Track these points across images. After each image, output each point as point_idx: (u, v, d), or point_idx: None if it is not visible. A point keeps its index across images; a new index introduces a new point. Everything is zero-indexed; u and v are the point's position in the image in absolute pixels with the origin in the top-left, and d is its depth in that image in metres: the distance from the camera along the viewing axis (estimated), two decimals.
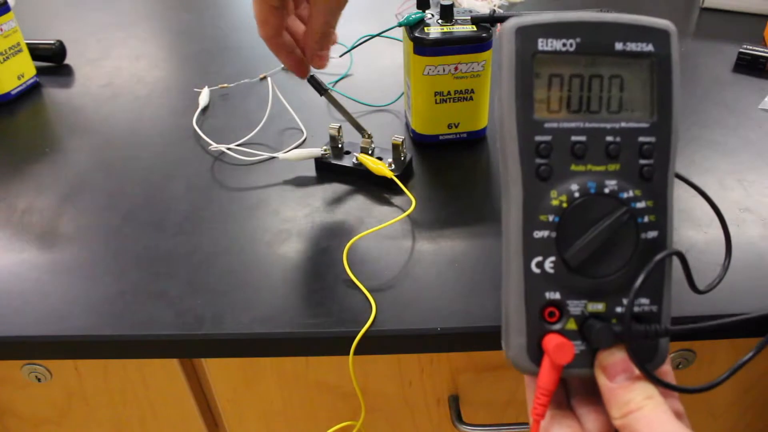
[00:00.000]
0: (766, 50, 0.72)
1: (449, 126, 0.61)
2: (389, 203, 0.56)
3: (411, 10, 0.59)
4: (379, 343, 0.45)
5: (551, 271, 0.32)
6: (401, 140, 0.57)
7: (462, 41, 0.56)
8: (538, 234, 0.32)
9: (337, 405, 0.56)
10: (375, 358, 0.52)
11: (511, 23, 0.31)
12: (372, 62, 0.78)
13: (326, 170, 0.60)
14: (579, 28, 0.31)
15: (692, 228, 0.52)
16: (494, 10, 0.57)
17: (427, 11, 0.58)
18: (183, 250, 0.52)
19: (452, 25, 0.57)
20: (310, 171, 0.60)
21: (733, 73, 0.72)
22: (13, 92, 0.73)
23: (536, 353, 0.32)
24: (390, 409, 0.57)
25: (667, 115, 0.32)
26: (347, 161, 0.59)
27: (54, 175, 0.61)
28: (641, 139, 0.32)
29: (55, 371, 0.54)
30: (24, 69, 0.74)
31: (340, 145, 0.60)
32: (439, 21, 0.57)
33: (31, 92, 0.75)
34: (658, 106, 0.32)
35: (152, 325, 0.46)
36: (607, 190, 0.31)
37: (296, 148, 0.62)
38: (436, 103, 0.59)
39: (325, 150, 0.59)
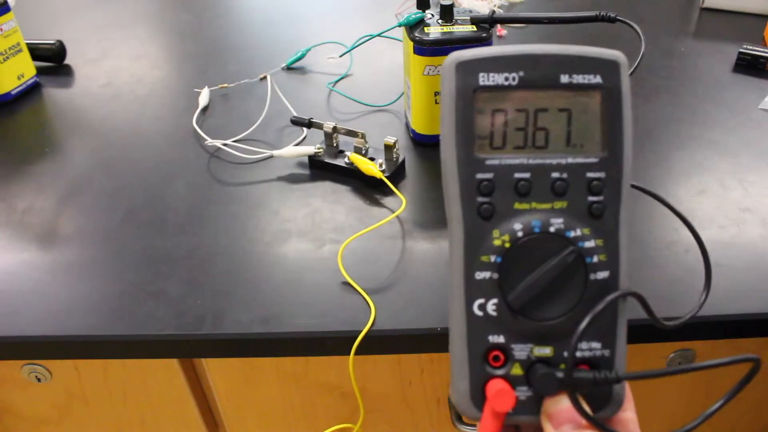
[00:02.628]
0: (766, 50, 0.72)
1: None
2: (384, 203, 0.56)
3: (411, 10, 0.59)
4: (379, 343, 0.45)
5: (494, 313, 0.30)
6: (393, 141, 0.57)
7: (462, 41, 0.56)
8: (480, 275, 0.30)
9: (337, 405, 0.56)
10: (375, 358, 0.52)
11: (452, 58, 0.30)
12: (372, 62, 0.78)
13: (320, 169, 0.60)
14: (521, 61, 0.30)
15: None
16: (494, 11, 0.57)
17: (427, 11, 0.59)
18: (183, 250, 0.52)
19: (452, 25, 0.57)
20: (307, 169, 0.60)
21: (733, 73, 0.72)
22: (13, 92, 0.73)
23: (480, 399, 0.31)
24: (390, 409, 0.57)
25: (617, 150, 0.30)
26: (340, 160, 0.59)
27: (54, 175, 0.61)
28: (590, 174, 0.30)
29: (55, 371, 0.54)
30: (24, 69, 0.74)
31: (335, 144, 0.60)
32: (439, 21, 0.57)
33: (31, 92, 0.75)
34: (608, 141, 0.30)
35: (152, 325, 0.46)
36: (552, 229, 0.30)
37: (295, 146, 0.62)
38: (436, 103, 0.59)
39: (318, 148, 0.59)
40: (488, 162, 0.30)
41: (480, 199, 0.30)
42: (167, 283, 0.49)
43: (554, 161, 0.30)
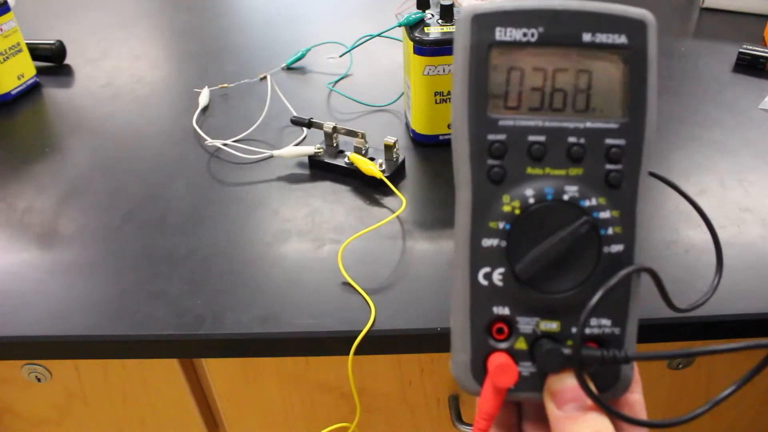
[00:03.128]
0: (766, 50, 0.72)
1: (449, 126, 0.61)
2: (383, 204, 0.56)
3: (411, 10, 0.59)
4: (379, 343, 0.45)
5: (500, 283, 0.29)
6: (393, 141, 0.57)
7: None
8: (487, 242, 0.29)
9: (337, 405, 0.56)
10: (375, 358, 0.52)
11: (467, 10, 0.29)
12: (372, 62, 0.78)
13: (320, 169, 0.60)
14: (542, 16, 0.28)
15: (692, 228, 0.52)
16: None
17: (427, 11, 0.59)
18: (183, 250, 0.52)
19: (452, 25, 0.57)
20: (307, 169, 0.60)
21: (733, 73, 0.72)
22: (13, 92, 0.73)
23: (481, 372, 0.30)
24: (390, 409, 0.57)
25: (639, 116, 0.29)
26: (340, 160, 0.59)
27: (54, 175, 0.61)
28: (609, 141, 0.29)
29: (55, 371, 0.54)
30: (24, 69, 0.74)
31: (335, 144, 0.60)
32: (439, 21, 0.57)
33: (31, 92, 0.75)
34: (630, 106, 0.29)
35: (152, 325, 0.46)
36: (566, 197, 0.28)
37: (295, 146, 0.62)
38: (436, 103, 0.59)
39: (318, 148, 0.59)
40: (501, 123, 0.29)
41: (491, 161, 0.29)
42: (167, 283, 0.49)
43: (571, 125, 0.29)
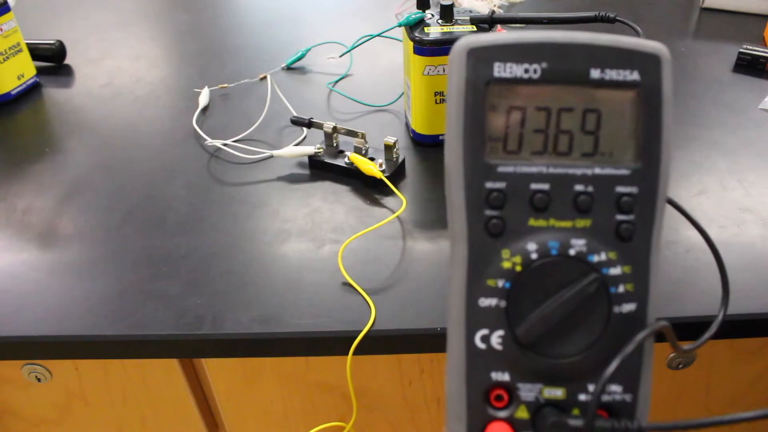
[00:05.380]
0: (766, 50, 0.72)
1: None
2: (384, 204, 0.56)
3: (411, 10, 0.59)
4: (379, 343, 0.45)
5: (499, 347, 0.26)
6: (393, 141, 0.57)
7: (456, 41, 0.56)
8: (485, 302, 0.26)
9: (337, 405, 0.56)
10: (375, 358, 0.52)
11: (463, 43, 0.26)
12: (372, 62, 0.78)
13: (320, 169, 0.60)
14: (545, 50, 0.25)
15: (692, 228, 0.51)
16: (494, 11, 0.57)
17: (427, 11, 0.59)
18: (183, 250, 0.52)
19: (452, 25, 0.57)
20: (307, 169, 0.60)
21: (733, 73, 0.72)
22: (13, 92, 0.73)
23: None
24: (390, 409, 0.57)
25: (654, 161, 0.26)
26: (340, 160, 0.59)
27: (54, 175, 0.61)
28: (620, 189, 0.26)
29: (55, 371, 0.54)
30: (24, 69, 0.74)
31: (335, 144, 0.60)
32: (439, 21, 0.57)
33: (31, 92, 0.75)
34: (643, 149, 0.26)
35: (152, 325, 0.46)
36: (573, 252, 0.26)
37: (295, 146, 0.62)
38: (436, 103, 0.59)
39: (318, 148, 0.59)
40: (500, 169, 0.26)
41: (489, 212, 0.26)
42: (167, 283, 0.49)
43: (578, 171, 0.26)
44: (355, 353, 0.45)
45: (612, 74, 0.26)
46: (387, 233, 0.52)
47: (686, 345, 0.30)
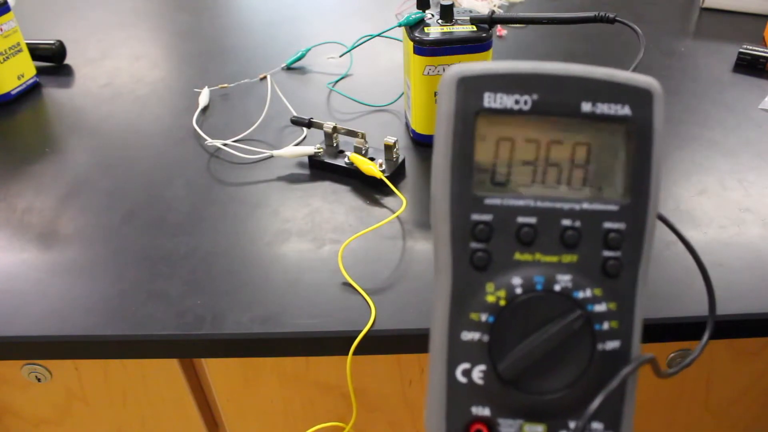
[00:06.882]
0: (766, 50, 0.72)
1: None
2: (384, 203, 0.56)
3: (411, 10, 0.59)
4: (379, 343, 0.45)
5: (480, 382, 0.26)
6: (393, 141, 0.57)
7: (462, 41, 0.56)
8: (467, 336, 0.26)
9: (337, 405, 0.56)
10: (375, 358, 0.52)
11: (453, 72, 0.26)
12: (372, 62, 0.78)
13: (320, 169, 0.60)
14: (537, 81, 0.25)
15: (692, 228, 0.52)
16: (494, 11, 0.57)
17: (427, 11, 0.59)
18: (183, 250, 0.52)
19: (452, 25, 0.57)
20: (307, 169, 0.60)
21: (733, 73, 0.72)
22: (13, 92, 0.73)
23: None
24: (390, 409, 0.57)
25: (643, 197, 0.26)
26: (340, 160, 0.59)
27: (54, 175, 0.61)
28: (607, 225, 0.26)
29: (55, 371, 0.54)
30: (24, 69, 0.74)
31: (335, 144, 0.60)
32: (439, 21, 0.57)
33: (31, 92, 0.75)
34: (632, 185, 0.26)
35: (152, 325, 0.46)
36: (558, 288, 0.26)
37: (295, 146, 0.62)
38: (436, 103, 0.59)
39: (318, 148, 0.59)
40: (487, 201, 0.26)
41: (474, 245, 0.26)
42: (167, 283, 0.49)
43: (566, 206, 0.26)
44: (355, 353, 0.45)
45: (603, 108, 0.25)
46: (387, 233, 0.52)
47: (670, 369, 0.30)
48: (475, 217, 0.26)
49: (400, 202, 0.55)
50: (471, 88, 0.25)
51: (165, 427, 0.60)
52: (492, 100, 0.25)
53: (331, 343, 0.45)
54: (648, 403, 0.57)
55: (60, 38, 0.81)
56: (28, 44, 0.75)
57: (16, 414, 0.59)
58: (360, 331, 0.44)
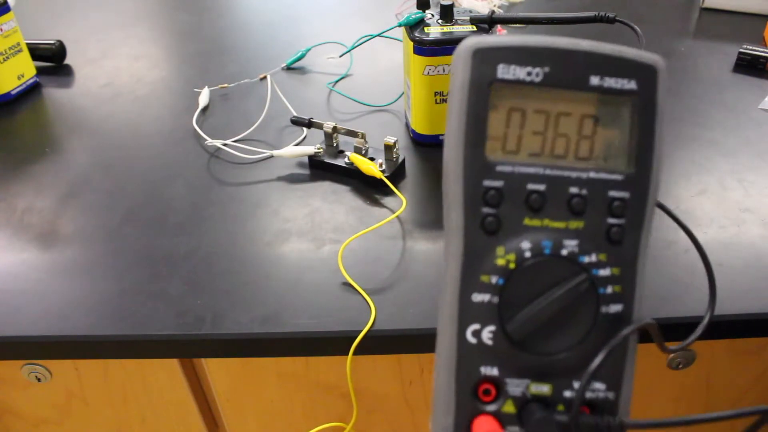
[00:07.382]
0: (766, 50, 0.72)
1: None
2: (384, 203, 0.56)
3: (411, 10, 0.59)
4: (379, 343, 0.45)
5: (489, 342, 0.27)
6: (393, 141, 0.57)
7: (462, 41, 0.56)
8: (478, 297, 0.27)
9: (337, 405, 0.56)
10: (375, 358, 0.52)
11: (469, 43, 0.27)
12: (372, 62, 0.78)
13: (320, 169, 0.60)
14: (549, 55, 0.26)
15: (692, 228, 0.52)
16: (494, 11, 0.57)
17: (427, 11, 0.59)
18: (183, 250, 0.52)
19: (452, 25, 0.57)
20: (307, 169, 0.60)
21: (733, 73, 0.72)
22: (13, 92, 0.73)
23: None
24: (390, 409, 0.57)
25: (646, 168, 0.27)
26: (340, 160, 0.59)
27: (54, 175, 0.61)
28: (612, 193, 0.27)
29: (55, 371, 0.54)
30: (24, 69, 0.74)
31: (335, 144, 0.60)
32: (439, 21, 0.57)
33: (31, 92, 0.75)
34: (636, 156, 0.27)
35: (152, 325, 0.46)
36: (564, 252, 0.27)
37: (295, 146, 0.62)
38: (436, 103, 0.59)
39: (318, 148, 0.59)
40: (499, 168, 0.27)
41: (485, 209, 0.27)
42: (167, 283, 0.49)
43: (573, 174, 0.27)
44: (355, 353, 0.45)
45: (611, 82, 0.27)
46: (387, 233, 0.52)
47: (673, 345, 0.31)
48: (487, 183, 0.27)
49: (400, 202, 0.55)
50: (486, 59, 0.26)
51: (165, 427, 0.60)
52: (506, 71, 0.26)
53: (331, 343, 0.45)
54: (648, 403, 0.57)
55: (60, 38, 0.81)
56: (28, 44, 0.75)
57: (16, 414, 0.59)
58: (360, 331, 0.44)
